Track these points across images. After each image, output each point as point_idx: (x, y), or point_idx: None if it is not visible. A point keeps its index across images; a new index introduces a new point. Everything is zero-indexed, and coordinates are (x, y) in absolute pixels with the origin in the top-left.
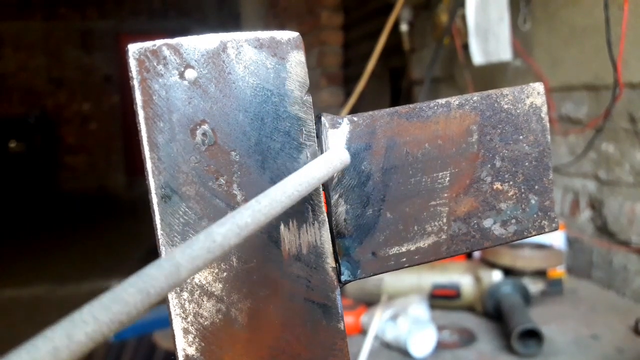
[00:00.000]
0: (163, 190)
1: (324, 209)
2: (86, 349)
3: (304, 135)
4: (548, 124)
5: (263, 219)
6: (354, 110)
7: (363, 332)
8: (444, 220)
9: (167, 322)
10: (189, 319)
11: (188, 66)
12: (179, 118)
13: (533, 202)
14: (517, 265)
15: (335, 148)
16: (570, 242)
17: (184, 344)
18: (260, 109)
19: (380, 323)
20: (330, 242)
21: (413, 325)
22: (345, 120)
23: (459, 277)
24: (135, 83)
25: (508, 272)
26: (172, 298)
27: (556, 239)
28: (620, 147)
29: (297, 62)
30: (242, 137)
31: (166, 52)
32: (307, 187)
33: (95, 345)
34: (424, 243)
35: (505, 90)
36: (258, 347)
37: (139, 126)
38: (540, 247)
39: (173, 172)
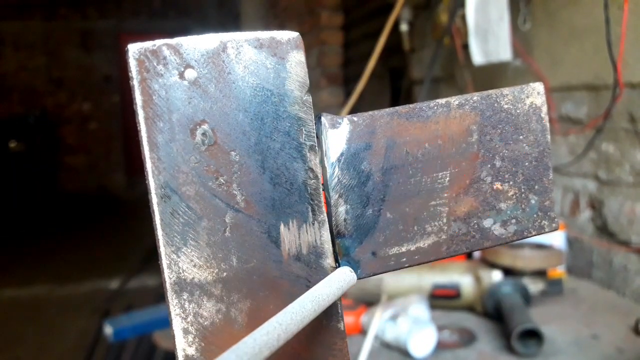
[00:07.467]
0: (163, 190)
1: (324, 209)
2: None
3: (304, 135)
4: (548, 124)
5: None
6: (354, 110)
7: (363, 332)
8: (444, 220)
9: (167, 322)
10: (189, 319)
11: (188, 66)
12: (178, 118)
13: (533, 202)
14: (517, 265)
15: (341, 270)
16: (570, 242)
17: (184, 344)
18: (260, 109)
19: (380, 323)
20: (330, 242)
21: (413, 325)
22: (345, 120)
23: (459, 277)
24: (135, 83)
25: (508, 272)
26: (172, 298)
27: (556, 239)
28: (621, 147)
29: (297, 62)
30: (242, 137)
31: (166, 52)
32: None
33: None
34: (424, 243)
35: (505, 90)
36: None
37: (139, 126)
38: (540, 247)
39: (173, 172)
